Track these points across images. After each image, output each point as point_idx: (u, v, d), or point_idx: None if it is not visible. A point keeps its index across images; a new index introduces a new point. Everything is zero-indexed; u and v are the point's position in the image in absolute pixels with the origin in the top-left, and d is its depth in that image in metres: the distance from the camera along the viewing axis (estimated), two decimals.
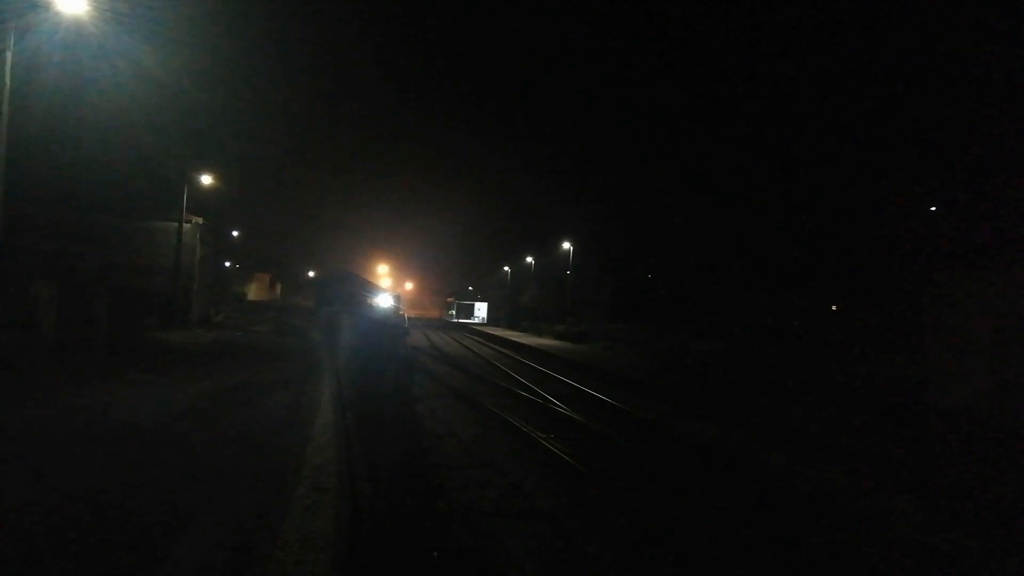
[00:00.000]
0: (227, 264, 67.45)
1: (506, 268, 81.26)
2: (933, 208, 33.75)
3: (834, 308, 45.58)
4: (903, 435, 12.33)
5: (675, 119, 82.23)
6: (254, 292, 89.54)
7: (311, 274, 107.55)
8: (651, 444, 11.93)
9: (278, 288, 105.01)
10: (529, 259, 71.71)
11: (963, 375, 14.05)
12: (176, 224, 29.61)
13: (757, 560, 6.57)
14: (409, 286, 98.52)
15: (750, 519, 7.86)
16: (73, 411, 10.25)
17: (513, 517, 7.51)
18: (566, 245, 55.41)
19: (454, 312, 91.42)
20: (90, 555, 5.22)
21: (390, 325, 35.45)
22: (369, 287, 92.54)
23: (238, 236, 69.51)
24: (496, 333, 47.77)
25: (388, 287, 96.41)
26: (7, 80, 15.03)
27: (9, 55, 15.00)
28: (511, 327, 59.78)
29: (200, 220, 33.22)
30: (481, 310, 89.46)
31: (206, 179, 32.30)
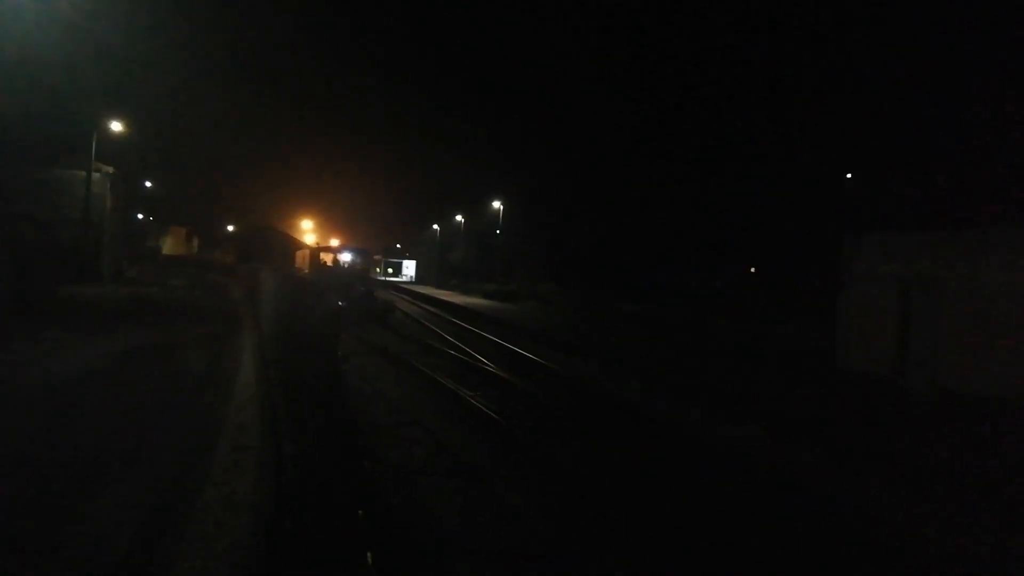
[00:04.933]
0: (140, 217, 64.41)
1: (435, 226, 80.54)
2: (849, 176, 35.19)
3: (752, 271, 47.24)
4: (812, 395, 13.01)
5: (607, 83, 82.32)
6: (170, 246, 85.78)
7: (230, 228, 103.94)
8: (575, 401, 12.18)
9: (195, 242, 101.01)
10: (459, 217, 71.24)
11: (869, 339, 14.83)
12: (84, 173, 27.95)
13: (676, 512, 6.83)
14: (335, 242, 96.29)
15: (668, 473, 8.16)
16: None
17: (440, 475, 7.56)
18: (496, 204, 55.26)
19: (382, 269, 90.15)
20: (9, 512, 5.00)
21: (357, 296, 26.85)
22: (295, 241, 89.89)
23: (152, 187, 66.27)
24: (424, 292, 47.50)
25: (314, 242, 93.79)
26: None
27: None
28: (440, 286, 59.53)
29: (110, 169, 31.44)
30: (409, 268, 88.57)
31: (117, 126, 30.54)
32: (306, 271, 70.67)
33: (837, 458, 9.00)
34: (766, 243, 42.71)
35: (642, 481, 7.77)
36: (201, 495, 5.79)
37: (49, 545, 4.64)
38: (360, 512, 5.72)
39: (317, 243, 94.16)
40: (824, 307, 17.69)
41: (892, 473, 8.34)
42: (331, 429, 9.16)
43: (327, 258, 77.12)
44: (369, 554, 5.07)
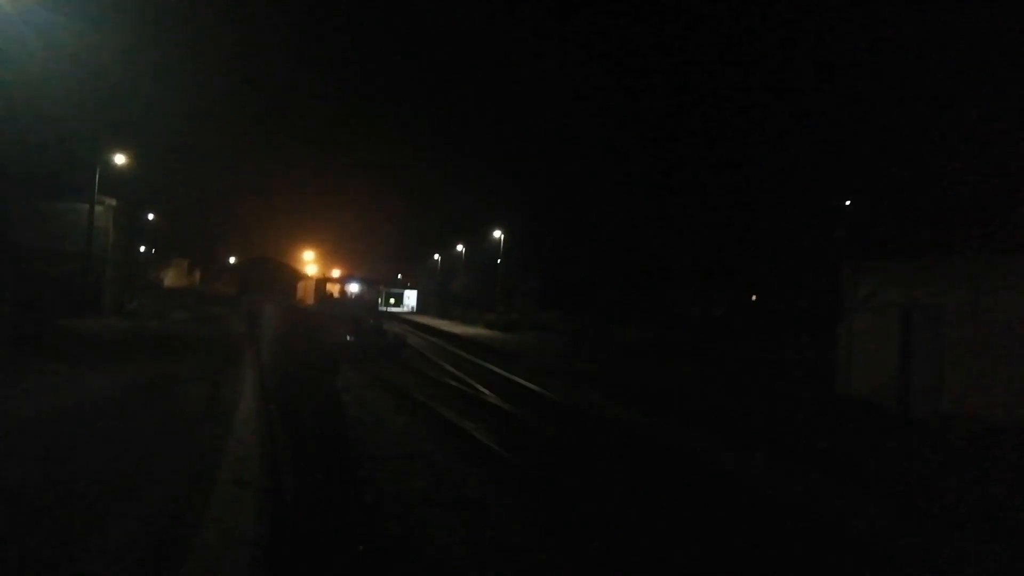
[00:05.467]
0: (142, 249, 64.61)
1: (436, 256, 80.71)
2: (848, 202, 35.36)
3: (753, 298, 47.22)
4: (815, 422, 12.95)
5: (606, 112, 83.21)
6: (171, 278, 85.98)
7: (232, 260, 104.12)
8: (577, 431, 12.12)
9: (197, 274, 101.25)
10: (460, 247, 71.41)
11: (871, 366, 14.78)
12: (87, 206, 28.12)
13: (684, 546, 6.76)
14: (337, 273, 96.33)
15: (675, 504, 8.08)
16: None
17: (441, 507, 7.49)
18: (497, 233, 55.42)
19: (383, 299, 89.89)
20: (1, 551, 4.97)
21: (367, 330, 24.18)
22: (297, 272, 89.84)
23: (154, 220, 66.58)
24: (426, 322, 47.46)
25: (316, 272, 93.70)
26: None
27: None
28: (441, 316, 59.44)
29: (113, 202, 31.62)
30: (411, 298, 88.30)
31: (120, 159, 30.76)
32: (309, 303, 70.49)
33: (842, 485, 8.92)
34: (767, 270, 42.80)
35: (647, 512, 7.69)
36: (201, 529, 5.75)
37: None
38: (360, 547, 5.67)
39: (323, 273, 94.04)
40: (826, 334, 17.65)
41: (900, 501, 8.27)
42: (332, 461, 9.12)
43: (333, 289, 76.15)
44: None
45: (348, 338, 23.71)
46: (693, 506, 8.04)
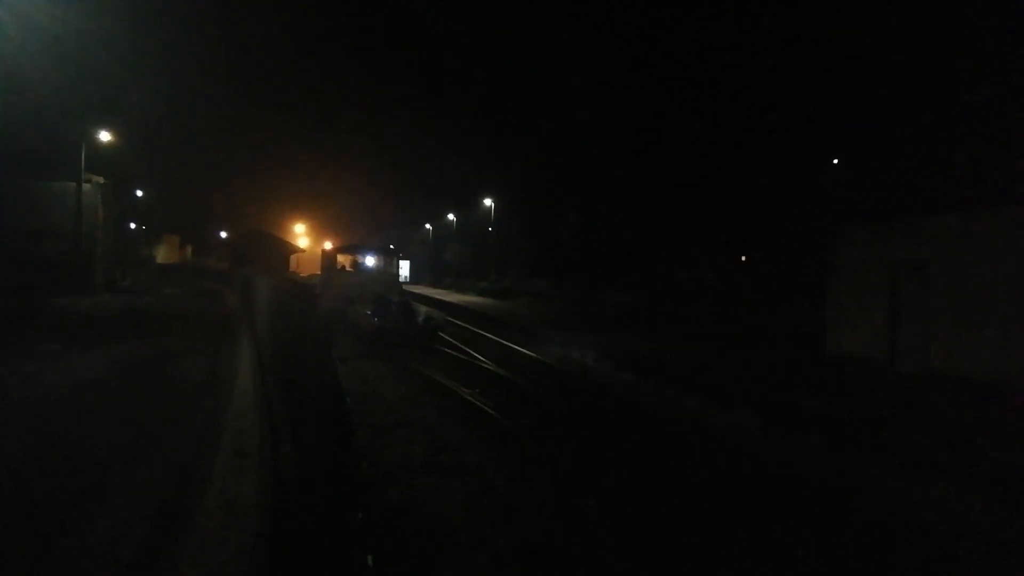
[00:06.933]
0: (132, 226, 64.17)
1: (428, 226, 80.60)
2: (836, 161, 35.31)
3: (743, 259, 47.34)
4: (805, 380, 13.14)
5: (593, 78, 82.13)
6: (163, 255, 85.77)
7: (223, 234, 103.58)
8: (573, 395, 12.29)
9: (189, 250, 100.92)
10: (451, 216, 71.28)
11: (860, 324, 14.98)
12: (75, 184, 27.93)
13: (677, 506, 6.94)
14: (328, 245, 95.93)
15: (667, 465, 8.26)
16: None
17: (440, 474, 7.63)
18: (488, 202, 55.36)
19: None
20: (8, 526, 5.07)
21: (393, 310, 20.30)
22: (289, 245, 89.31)
23: (144, 196, 66.07)
24: (419, 291, 47.53)
25: (307, 245, 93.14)
26: None
27: None
28: (434, 285, 59.54)
29: (101, 179, 31.46)
30: (404, 268, 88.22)
31: (106, 136, 30.49)
32: (303, 275, 69.95)
33: (830, 441, 9.12)
34: (756, 231, 42.84)
35: (641, 473, 7.87)
36: (203, 501, 5.88)
37: (54, 549, 4.73)
38: (359, 514, 5.80)
39: (320, 244, 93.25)
40: (816, 294, 17.82)
41: (889, 457, 8.46)
42: (330, 432, 9.24)
43: (345, 261, 74.80)
44: (370, 557, 5.15)
45: (374, 320, 20.94)
46: (684, 468, 8.23)
